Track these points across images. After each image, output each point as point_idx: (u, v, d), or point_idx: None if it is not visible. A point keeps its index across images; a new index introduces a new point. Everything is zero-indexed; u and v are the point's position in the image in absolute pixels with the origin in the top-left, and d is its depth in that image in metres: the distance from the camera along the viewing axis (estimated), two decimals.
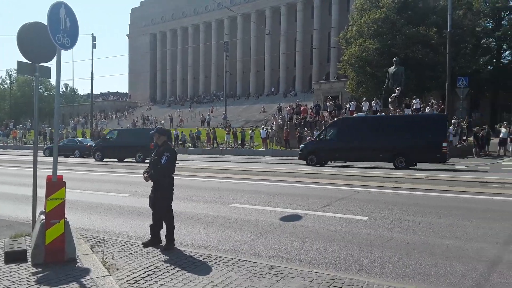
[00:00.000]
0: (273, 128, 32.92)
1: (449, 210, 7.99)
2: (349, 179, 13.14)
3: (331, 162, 20.77)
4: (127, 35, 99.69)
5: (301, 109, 33.89)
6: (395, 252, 5.37)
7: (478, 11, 38.28)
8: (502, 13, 38.83)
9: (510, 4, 38.24)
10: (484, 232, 6.27)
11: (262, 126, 34.86)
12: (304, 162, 20.56)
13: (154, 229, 5.59)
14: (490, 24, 40.30)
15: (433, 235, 6.19)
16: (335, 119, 25.13)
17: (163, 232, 5.52)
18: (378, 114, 27.70)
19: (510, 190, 10.60)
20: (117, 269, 4.62)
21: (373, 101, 29.62)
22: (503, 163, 20.60)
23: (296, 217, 7.45)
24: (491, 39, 39.87)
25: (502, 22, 38.52)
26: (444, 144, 17.59)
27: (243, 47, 78.52)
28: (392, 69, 29.51)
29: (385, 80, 30.37)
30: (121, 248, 5.41)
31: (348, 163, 20.54)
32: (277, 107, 40.54)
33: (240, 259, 4.94)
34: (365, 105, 30.02)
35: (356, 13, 42.14)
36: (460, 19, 35.91)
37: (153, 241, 5.55)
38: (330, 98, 36.24)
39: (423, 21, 36.47)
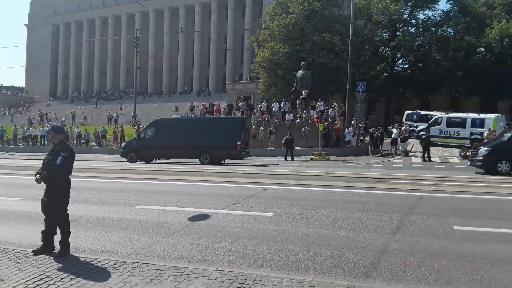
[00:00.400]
0: None
1: (345, 204, 8.63)
2: (258, 177, 13.49)
3: (155, 160, 22.26)
4: (25, 24, 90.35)
5: (214, 108, 33.95)
6: (296, 246, 5.62)
7: (376, 22, 41.80)
8: (397, 25, 42.88)
9: (404, 17, 42.46)
10: (375, 224, 6.86)
11: None
12: (127, 159, 21.96)
13: (47, 235, 5.14)
14: (387, 34, 44.18)
15: (331, 228, 6.62)
16: (154, 119, 26.60)
17: (57, 238, 5.10)
18: (288, 114, 28.94)
19: (399, 185, 11.79)
20: (1, 280, 4.16)
21: (282, 103, 30.84)
22: (394, 160, 22.85)
23: (204, 217, 7.42)
24: (387, 48, 43.81)
25: (397, 33, 42.44)
26: (239, 143, 20.21)
27: (155, 44, 76.11)
28: (300, 72, 31.06)
29: (294, 83, 31.83)
30: (8, 257, 4.88)
31: (172, 160, 22.30)
32: (190, 106, 40.08)
33: (142, 263, 4.77)
34: (275, 106, 31.12)
35: (268, 18, 43.44)
36: (361, 28, 38.94)
37: (45, 249, 5.10)
38: (243, 98, 36.93)
39: (329, 28, 38.89)
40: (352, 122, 27.72)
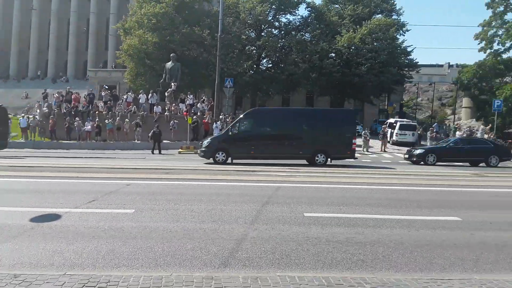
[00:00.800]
0: (36, 117, 28.90)
1: (210, 196, 8.79)
2: (121, 172, 12.80)
3: None
4: None
5: (72, 97, 30.93)
6: (157, 242, 5.49)
7: (244, 21, 43.46)
8: (263, 26, 45.30)
9: (269, 19, 45.01)
10: (237, 215, 7.13)
11: (23, 115, 30.01)
12: None
13: None
14: (253, 34, 46.38)
15: (194, 221, 6.65)
16: None
17: None
18: (156, 107, 28.11)
19: (260, 177, 12.52)
20: None
21: (150, 94, 29.87)
22: None
23: (53, 217, 6.70)
24: (253, 47, 45.94)
25: (262, 34, 44.90)
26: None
27: (3, 22, 65.86)
28: (169, 64, 30.45)
29: (163, 74, 31.08)
30: None
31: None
32: (43, 94, 35.66)
33: None
34: (142, 97, 29.94)
35: (136, 4, 41.37)
36: (229, 25, 39.99)
37: None
38: (107, 87, 34.38)
39: (199, 22, 38.90)
40: (220, 116, 28.37)
